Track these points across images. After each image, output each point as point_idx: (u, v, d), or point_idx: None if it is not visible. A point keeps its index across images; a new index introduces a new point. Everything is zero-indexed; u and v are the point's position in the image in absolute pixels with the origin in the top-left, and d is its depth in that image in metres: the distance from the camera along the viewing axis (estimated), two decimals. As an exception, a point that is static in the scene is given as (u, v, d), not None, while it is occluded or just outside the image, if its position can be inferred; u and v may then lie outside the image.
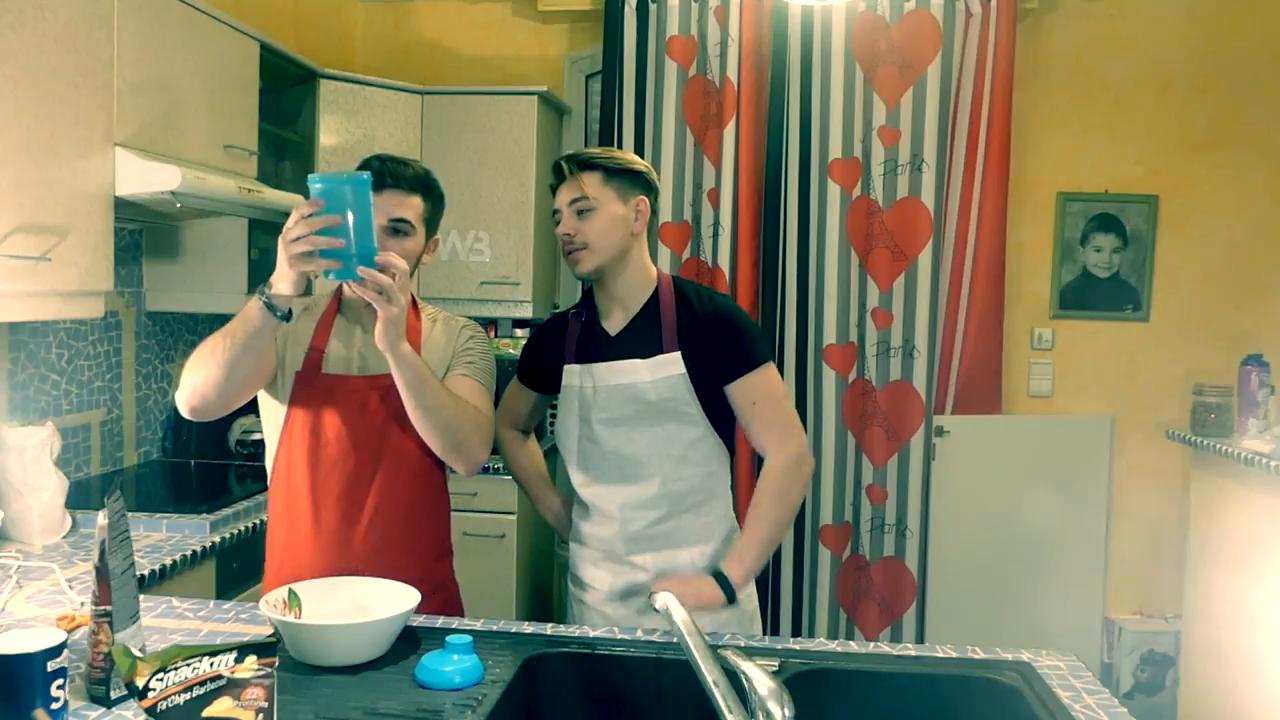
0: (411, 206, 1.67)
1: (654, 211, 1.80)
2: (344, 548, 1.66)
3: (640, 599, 1.76)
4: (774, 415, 1.77)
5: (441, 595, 1.76)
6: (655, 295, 1.79)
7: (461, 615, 1.79)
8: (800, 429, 1.81)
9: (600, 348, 1.79)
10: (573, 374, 1.80)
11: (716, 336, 1.74)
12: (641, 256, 1.79)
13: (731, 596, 1.72)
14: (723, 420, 1.78)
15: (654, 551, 1.77)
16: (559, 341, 1.85)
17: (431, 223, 1.73)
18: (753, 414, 1.76)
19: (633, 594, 1.77)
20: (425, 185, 1.70)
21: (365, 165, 1.65)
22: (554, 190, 1.78)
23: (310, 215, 1.39)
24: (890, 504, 3.49)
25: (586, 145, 3.89)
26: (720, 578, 1.72)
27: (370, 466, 1.68)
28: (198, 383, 1.55)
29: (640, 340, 1.76)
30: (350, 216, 1.41)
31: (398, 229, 1.65)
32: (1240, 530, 2.89)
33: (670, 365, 1.72)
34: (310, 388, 1.67)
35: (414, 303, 1.80)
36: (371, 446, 1.67)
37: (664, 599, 1.17)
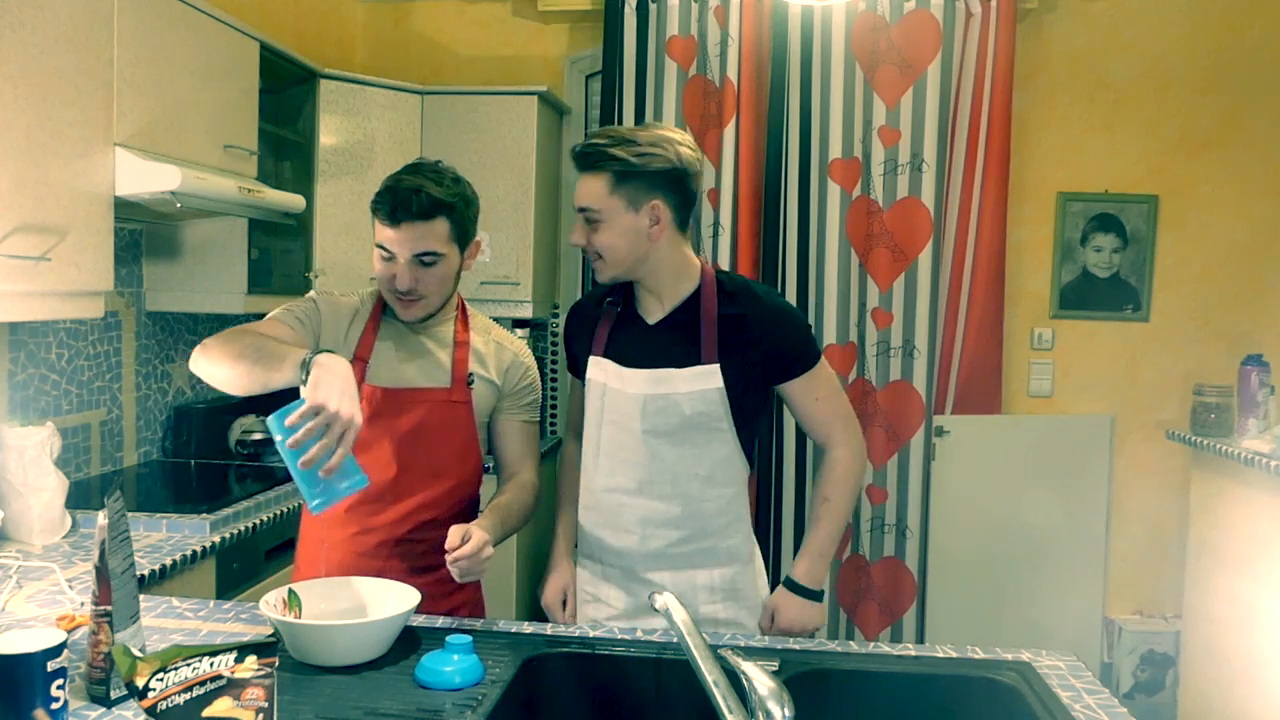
0: (434, 235, 1.62)
1: (687, 202, 1.66)
2: (381, 551, 1.69)
3: (657, 617, 1.66)
4: (837, 407, 1.73)
5: (470, 593, 1.79)
6: (698, 292, 1.69)
7: (483, 613, 1.82)
8: (857, 419, 1.78)
9: (637, 341, 1.70)
10: (599, 368, 1.71)
11: (773, 336, 1.67)
12: (673, 255, 1.67)
13: (820, 598, 1.72)
14: (748, 438, 1.72)
15: (673, 570, 1.70)
16: (590, 329, 1.76)
17: (464, 235, 1.69)
18: (815, 409, 1.72)
19: (650, 613, 1.67)
20: (445, 205, 1.62)
21: (379, 196, 1.61)
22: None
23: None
24: (890, 504, 3.50)
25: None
26: (805, 590, 1.70)
27: (409, 475, 1.69)
28: (214, 378, 1.52)
29: (678, 340, 1.67)
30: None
31: (423, 261, 1.62)
32: (1240, 530, 2.89)
33: (708, 378, 1.64)
34: None
35: (463, 310, 1.79)
36: (410, 456, 1.69)
37: (664, 599, 1.17)
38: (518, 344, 1.83)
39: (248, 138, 2.67)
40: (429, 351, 1.73)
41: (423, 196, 1.60)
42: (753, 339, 1.66)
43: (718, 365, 1.64)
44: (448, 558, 1.49)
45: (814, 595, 1.71)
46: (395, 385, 1.69)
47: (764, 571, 1.82)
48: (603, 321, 1.74)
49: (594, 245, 1.64)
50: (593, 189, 1.62)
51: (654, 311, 1.71)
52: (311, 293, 1.73)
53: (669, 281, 1.69)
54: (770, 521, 3.48)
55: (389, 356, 1.70)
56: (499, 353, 1.78)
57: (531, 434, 1.83)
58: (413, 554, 1.69)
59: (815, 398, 1.71)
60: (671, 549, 1.70)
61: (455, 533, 1.51)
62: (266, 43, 2.77)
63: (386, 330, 1.72)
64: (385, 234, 1.62)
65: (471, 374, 1.73)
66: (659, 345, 1.68)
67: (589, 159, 1.62)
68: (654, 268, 1.67)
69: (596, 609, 1.77)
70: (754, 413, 1.71)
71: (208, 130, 2.48)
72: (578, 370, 1.81)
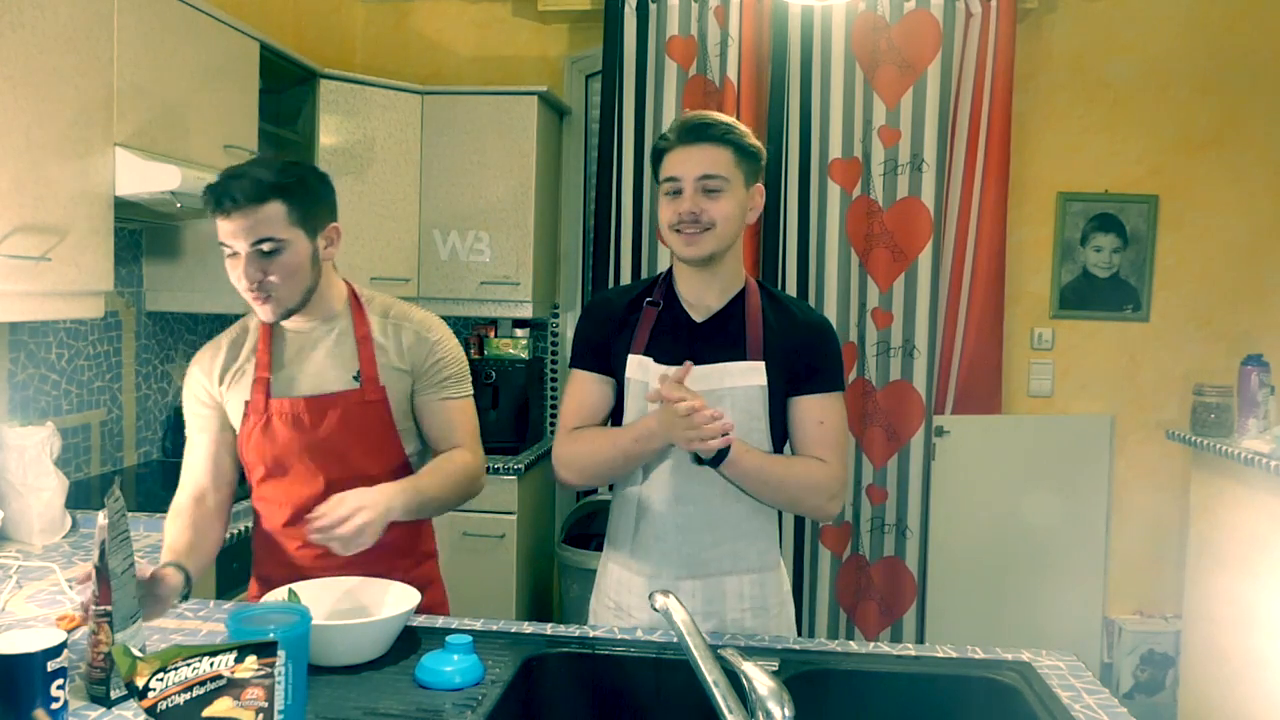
0: (269, 220, 1.51)
1: None
2: (325, 563, 1.65)
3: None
4: (835, 439, 1.68)
5: (435, 595, 1.77)
6: (743, 293, 1.69)
7: (447, 613, 1.79)
8: (847, 470, 1.72)
9: (684, 339, 1.66)
10: (641, 367, 1.65)
11: (810, 347, 1.66)
12: (740, 247, 1.69)
13: (723, 456, 1.53)
14: (778, 446, 1.69)
15: (704, 578, 1.66)
16: (624, 324, 1.69)
17: (310, 219, 1.57)
18: (816, 431, 1.66)
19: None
20: (276, 187, 1.52)
21: (206, 189, 1.52)
22: (663, 153, 1.63)
23: None
24: (890, 504, 3.49)
25: (587, 145, 3.89)
26: (721, 454, 1.53)
27: (339, 485, 1.63)
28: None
29: (725, 337, 1.65)
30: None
31: (263, 251, 1.52)
32: (1240, 530, 2.89)
33: (753, 374, 1.62)
34: (263, 414, 1.63)
35: (356, 300, 1.70)
36: (334, 464, 1.65)
37: (664, 600, 1.17)
38: (419, 317, 1.72)
39: (248, 138, 2.67)
40: (330, 354, 1.66)
41: (247, 181, 1.50)
42: (792, 344, 1.65)
43: (763, 363, 1.63)
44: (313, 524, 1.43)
45: (715, 462, 1.54)
46: (304, 394, 1.64)
47: (787, 579, 1.78)
48: (644, 319, 1.69)
49: (710, 214, 1.59)
50: (719, 158, 1.59)
51: (702, 309, 1.69)
52: (187, 377, 1.69)
53: (733, 275, 1.68)
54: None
55: (291, 367, 1.64)
56: (399, 334, 1.68)
57: (451, 410, 1.71)
58: (360, 560, 1.59)
59: (820, 420, 1.67)
60: (703, 554, 1.66)
61: (333, 500, 1.47)
62: (266, 43, 2.77)
63: (281, 342, 1.65)
64: (221, 228, 1.53)
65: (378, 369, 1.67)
66: (706, 343, 1.66)
67: (712, 130, 1.60)
68: (733, 255, 1.67)
69: (624, 620, 1.71)
70: (779, 426, 1.68)
71: (208, 130, 2.48)
72: (597, 362, 1.71)
